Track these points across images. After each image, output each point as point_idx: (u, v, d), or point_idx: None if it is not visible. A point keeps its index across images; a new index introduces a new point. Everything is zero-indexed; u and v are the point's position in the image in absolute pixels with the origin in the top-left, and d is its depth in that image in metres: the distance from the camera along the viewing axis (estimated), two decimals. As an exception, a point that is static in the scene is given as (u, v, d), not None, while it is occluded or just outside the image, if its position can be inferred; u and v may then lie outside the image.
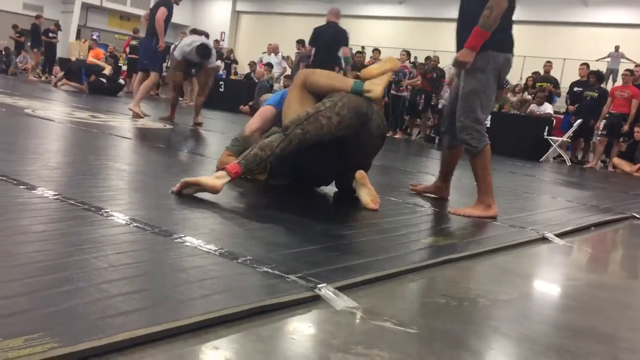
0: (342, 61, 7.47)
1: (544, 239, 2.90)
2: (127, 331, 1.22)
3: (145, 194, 2.86)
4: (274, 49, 14.76)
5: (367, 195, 3.05)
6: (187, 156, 4.41)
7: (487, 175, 3.25)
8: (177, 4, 7.75)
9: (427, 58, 13.69)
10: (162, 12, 7.47)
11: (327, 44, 7.36)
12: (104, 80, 12.75)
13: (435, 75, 11.99)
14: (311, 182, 3.45)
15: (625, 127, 9.31)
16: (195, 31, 14.05)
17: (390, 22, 21.71)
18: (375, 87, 3.11)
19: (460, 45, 3.24)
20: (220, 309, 1.41)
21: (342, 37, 7.43)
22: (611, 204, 4.59)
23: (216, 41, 16.63)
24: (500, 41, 3.18)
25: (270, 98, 3.65)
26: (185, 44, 7.21)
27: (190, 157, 4.34)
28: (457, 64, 3.21)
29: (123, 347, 1.19)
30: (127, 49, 15.88)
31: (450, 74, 12.23)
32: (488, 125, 3.37)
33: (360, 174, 3.09)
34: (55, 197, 2.36)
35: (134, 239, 1.95)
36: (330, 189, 3.49)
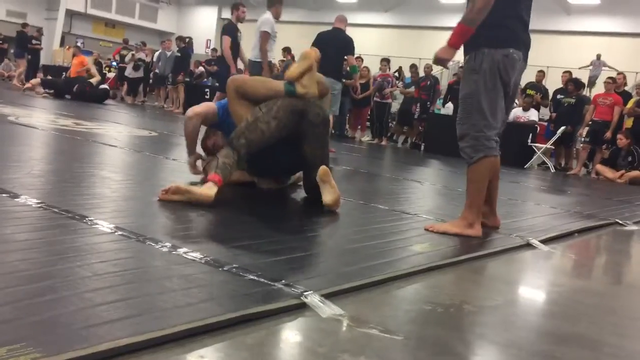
0: (349, 70, 7.41)
1: (528, 245, 2.92)
2: (111, 340, 1.21)
3: (130, 202, 2.84)
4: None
5: (329, 194, 3.05)
6: (172, 163, 4.39)
7: (478, 191, 2.94)
8: (240, 23, 7.83)
9: (412, 66, 13.76)
10: (226, 41, 7.56)
11: (333, 51, 7.27)
12: (86, 84, 12.64)
13: (429, 82, 12.06)
14: (287, 172, 3.62)
15: (608, 134, 9.41)
16: (180, 38, 14.11)
17: (375, 29, 21.85)
18: (309, 89, 3.16)
19: (465, 46, 2.96)
20: (205, 317, 1.41)
21: (348, 45, 7.35)
22: (595, 210, 4.63)
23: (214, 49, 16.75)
24: (494, 36, 2.85)
25: (220, 103, 3.66)
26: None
27: (175, 164, 4.32)
28: (436, 61, 2.93)
29: (107, 357, 1.18)
30: (117, 57, 15.89)
31: (457, 76, 12.30)
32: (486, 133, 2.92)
33: (322, 169, 3.08)
34: (39, 205, 2.33)
35: (118, 247, 1.94)
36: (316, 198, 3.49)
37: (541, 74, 11.56)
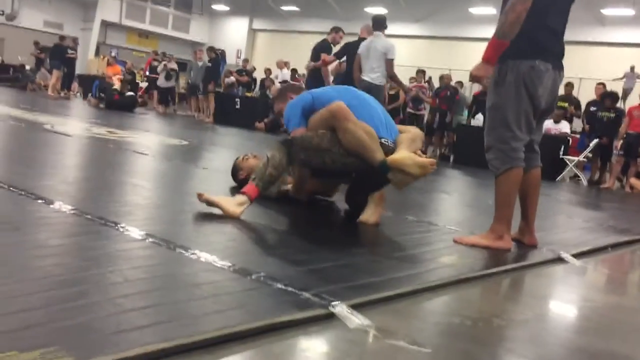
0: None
1: (560, 260, 2.87)
2: (141, 346, 1.23)
3: (161, 209, 2.88)
4: (285, 64, 15.07)
5: (372, 215, 3.03)
6: (202, 172, 4.44)
7: (507, 203, 2.88)
8: (335, 45, 7.90)
9: (442, 77, 13.71)
10: (328, 59, 7.48)
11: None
12: (114, 94, 12.95)
13: (449, 93, 11.99)
14: (337, 180, 3.47)
15: (643, 148, 9.22)
16: (211, 49, 14.30)
17: (406, 40, 21.77)
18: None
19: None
20: (234, 325, 1.42)
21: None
22: (628, 225, 4.54)
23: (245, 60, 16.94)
24: (520, 48, 2.77)
25: (297, 116, 3.14)
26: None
27: (206, 173, 4.37)
28: (472, 78, 2.86)
29: (137, 362, 1.19)
30: (148, 68, 16.23)
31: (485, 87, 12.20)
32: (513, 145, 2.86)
33: (379, 194, 3.05)
34: (73, 212, 2.38)
35: (149, 253, 1.97)
36: (344, 207, 3.49)
37: (570, 87, 11.38)
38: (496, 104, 2.88)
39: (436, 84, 13.84)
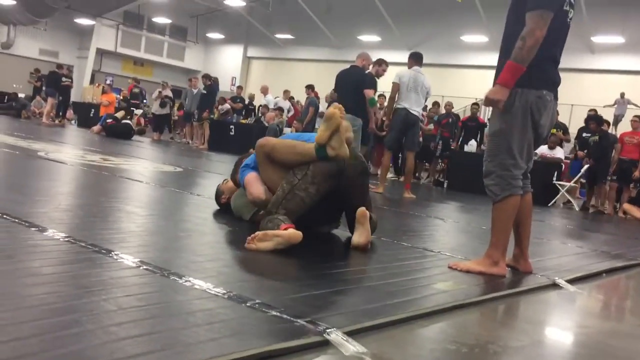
0: (368, 103, 7.36)
1: (554, 285, 2.87)
2: (135, 375, 1.22)
3: (154, 237, 2.87)
4: (265, 91, 15.51)
5: (360, 235, 3.03)
6: (196, 198, 4.44)
7: (503, 229, 2.88)
8: (379, 78, 7.73)
9: (435, 103, 13.83)
10: (370, 94, 7.38)
11: (350, 88, 7.32)
12: (111, 120, 13.09)
13: (450, 120, 12.10)
14: (320, 224, 3.45)
15: (636, 173, 9.29)
16: (206, 76, 14.41)
17: (399, 67, 22.01)
18: (339, 150, 3.00)
19: (496, 76, 2.89)
20: (228, 353, 1.41)
21: (363, 80, 7.35)
22: (622, 250, 4.55)
23: (240, 87, 17.16)
24: (529, 77, 2.78)
25: (245, 165, 3.46)
26: None
27: (199, 199, 4.36)
28: (488, 102, 2.82)
29: (131, 391, 1.18)
30: (129, 94, 16.56)
31: (472, 111, 12.30)
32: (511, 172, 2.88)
33: (360, 211, 3.06)
34: (66, 239, 2.37)
35: (143, 281, 1.96)
36: (341, 234, 3.49)
37: (556, 113, 11.51)
38: (501, 131, 2.88)
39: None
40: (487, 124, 12.05)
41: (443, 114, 12.43)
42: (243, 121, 14.68)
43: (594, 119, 10.25)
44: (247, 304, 1.81)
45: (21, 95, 18.54)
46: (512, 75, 2.75)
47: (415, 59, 7.64)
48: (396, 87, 7.43)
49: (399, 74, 7.50)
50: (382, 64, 7.87)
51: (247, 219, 3.44)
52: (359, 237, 3.03)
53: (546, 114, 2.90)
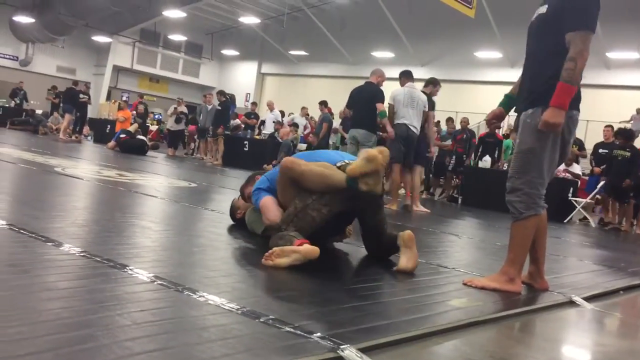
0: (379, 116, 7.39)
1: (571, 303, 2.83)
2: (149, 390, 1.22)
3: (169, 252, 2.88)
4: (271, 106, 15.66)
5: (409, 260, 2.97)
6: (210, 214, 4.46)
7: (521, 246, 2.86)
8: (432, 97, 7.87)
9: (449, 119, 13.82)
10: (432, 117, 7.48)
11: (363, 104, 7.38)
12: (125, 135, 13.25)
13: (465, 136, 12.09)
14: (326, 238, 3.42)
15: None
16: (221, 93, 14.52)
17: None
18: (373, 187, 2.89)
19: (521, 92, 2.92)
20: (242, 369, 1.40)
21: (376, 95, 7.40)
22: (640, 267, 4.48)
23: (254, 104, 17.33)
24: None
25: (258, 189, 3.41)
26: None
27: (214, 215, 4.38)
28: (547, 126, 2.74)
29: (145, 406, 1.18)
30: (135, 111, 16.87)
31: (509, 128, 12.23)
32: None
33: (408, 235, 3.01)
34: (82, 254, 2.39)
35: (157, 296, 1.96)
36: (354, 249, 3.48)
37: None
38: (533, 149, 2.84)
39: (443, 126, 13.97)
40: (503, 140, 12.04)
41: (458, 130, 12.44)
42: (257, 137, 14.75)
43: (621, 133, 10.03)
44: (261, 320, 1.81)
45: (38, 111, 18.78)
46: (567, 96, 2.73)
47: (407, 76, 7.69)
48: (392, 108, 7.43)
49: (393, 94, 7.50)
50: (436, 84, 8.02)
51: (259, 233, 3.46)
52: (407, 261, 2.97)
53: (574, 133, 2.94)
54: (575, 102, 2.85)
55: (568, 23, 2.73)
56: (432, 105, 7.77)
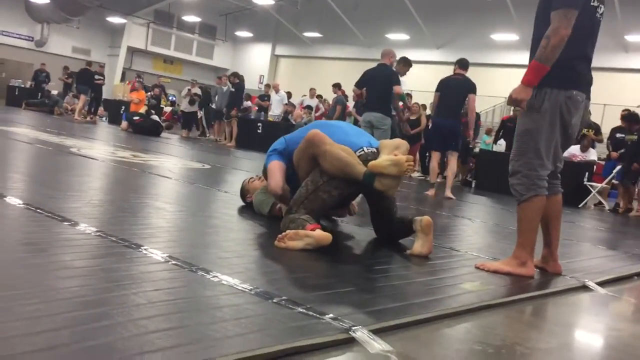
0: (397, 98, 7.47)
1: (584, 287, 2.82)
2: (163, 367, 1.24)
3: (183, 232, 2.91)
4: (276, 88, 15.56)
5: (424, 246, 2.97)
6: (224, 195, 4.48)
7: (529, 229, 2.86)
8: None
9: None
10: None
11: (379, 87, 7.37)
12: (138, 117, 13.32)
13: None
14: (330, 211, 3.53)
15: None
16: (234, 75, 14.50)
17: (428, 66, 21.88)
18: (389, 189, 2.91)
19: None
20: (254, 348, 1.42)
21: (392, 78, 7.37)
22: (655, 253, 4.45)
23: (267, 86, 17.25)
24: (559, 77, 2.77)
25: (273, 154, 3.44)
26: None
27: (227, 196, 4.40)
28: (511, 101, 2.79)
29: (159, 383, 1.20)
30: (151, 92, 16.92)
31: (514, 112, 12.14)
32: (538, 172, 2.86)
33: (427, 220, 3.00)
34: (97, 234, 2.42)
35: (172, 276, 1.99)
36: (367, 232, 3.49)
37: (588, 112, 11.28)
38: (529, 130, 2.86)
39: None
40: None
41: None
42: (270, 119, 14.74)
43: (627, 118, 9.98)
44: (274, 300, 1.83)
45: (54, 92, 18.88)
46: (536, 74, 2.73)
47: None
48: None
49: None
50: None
51: (266, 214, 3.50)
52: (422, 247, 2.98)
53: (577, 114, 2.88)
54: (576, 82, 2.83)
55: (553, 4, 2.71)
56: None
